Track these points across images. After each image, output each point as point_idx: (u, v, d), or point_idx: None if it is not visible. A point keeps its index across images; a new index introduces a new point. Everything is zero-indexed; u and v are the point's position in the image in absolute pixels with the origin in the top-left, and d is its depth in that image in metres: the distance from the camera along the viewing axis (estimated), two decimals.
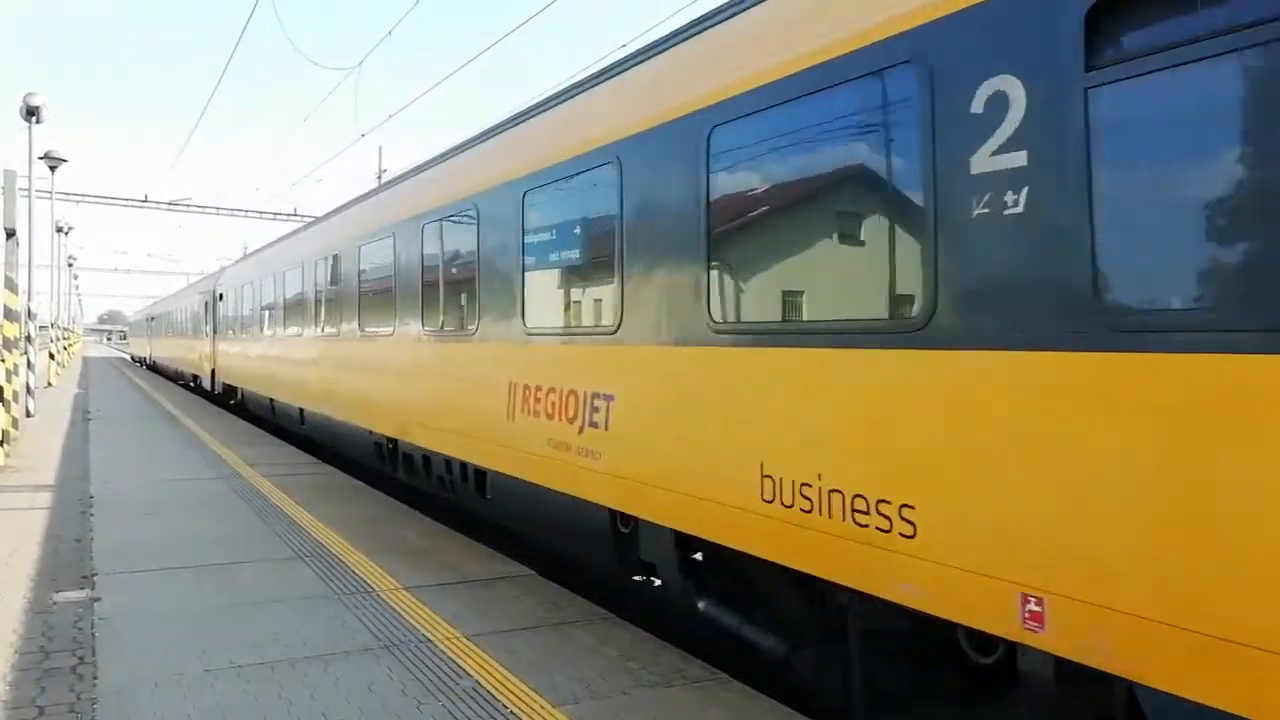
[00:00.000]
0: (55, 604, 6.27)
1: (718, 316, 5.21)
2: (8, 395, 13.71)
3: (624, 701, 4.70)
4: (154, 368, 49.11)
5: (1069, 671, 3.67)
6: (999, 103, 3.67)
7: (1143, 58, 3.21)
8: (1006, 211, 3.63)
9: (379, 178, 35.67)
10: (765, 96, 4.89)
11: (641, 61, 6.75)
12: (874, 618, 4.58)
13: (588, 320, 6.76)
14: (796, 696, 5.16)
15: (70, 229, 42.40)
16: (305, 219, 43.43)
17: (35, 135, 19.24)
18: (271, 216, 48.17)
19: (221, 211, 48.05)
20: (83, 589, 6.63)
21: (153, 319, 51.87)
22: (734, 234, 5.24)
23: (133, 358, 70.66)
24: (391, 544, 8.21)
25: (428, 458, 9.79)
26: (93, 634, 5.64)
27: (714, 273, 5.27)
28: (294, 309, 16.01)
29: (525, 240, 7.50)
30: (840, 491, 4.32)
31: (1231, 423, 2.95)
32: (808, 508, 4.49)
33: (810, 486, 4.47)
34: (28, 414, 19.25)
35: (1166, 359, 3.11)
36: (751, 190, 5.18)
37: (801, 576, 4.67)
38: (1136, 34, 3.27)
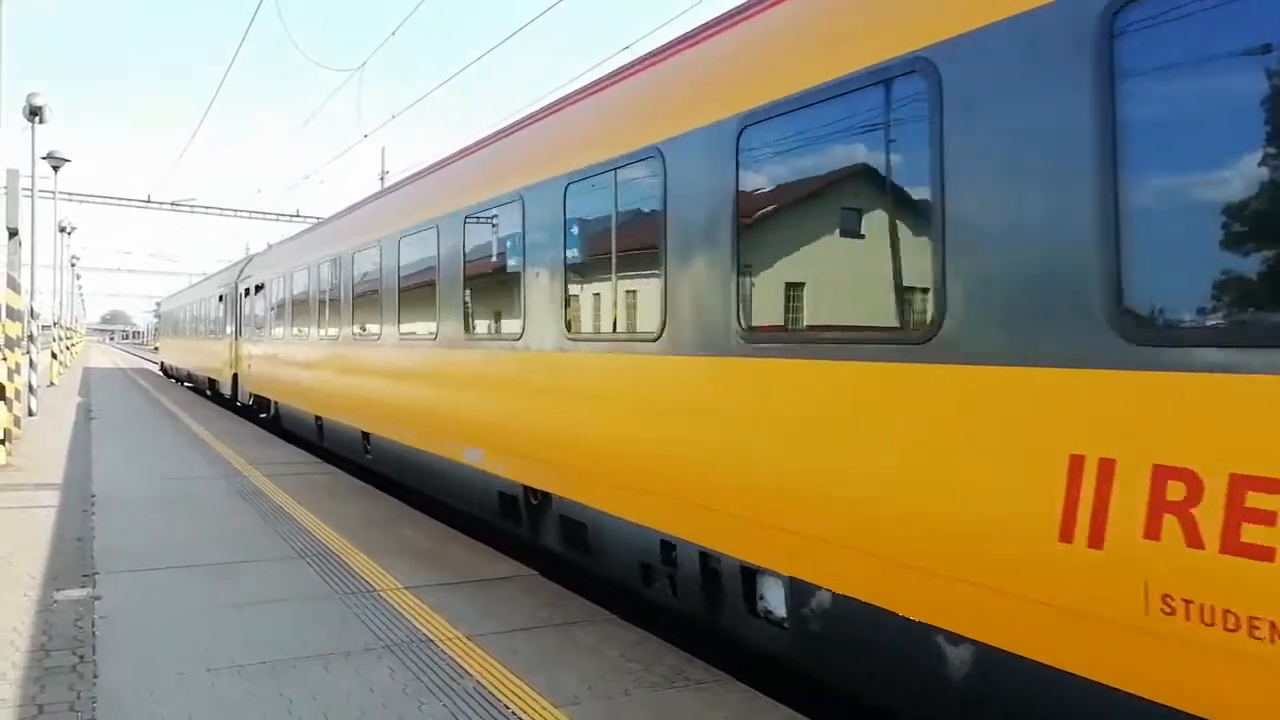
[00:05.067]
0: (56, 602, 6.26)
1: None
2: (10, 394, 13.71)
3: (625, 702, 4.69)
4: (261, 412, 20.14)
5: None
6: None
7: None
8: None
9: (381, 179, 35.68)
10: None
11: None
12: None
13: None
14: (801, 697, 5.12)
15: (73, 229, 42.46)
16: (310, 220, 43.16)
17: (38, 135, 19.28)
18: (274, 218, 48.24)
19: (224, 212, 48.09)
20: (84, 587, 6.62)
21: (252, 291, 21.44)
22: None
23: (166, 371, 43.47)
24: (393, 544, 8.20)
25: None
26: (93, 632, 5.63)
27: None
28: None
29: None
30: None
31: None
32: None
33: None
34: (30, 413, 19.26)
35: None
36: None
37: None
38: None
